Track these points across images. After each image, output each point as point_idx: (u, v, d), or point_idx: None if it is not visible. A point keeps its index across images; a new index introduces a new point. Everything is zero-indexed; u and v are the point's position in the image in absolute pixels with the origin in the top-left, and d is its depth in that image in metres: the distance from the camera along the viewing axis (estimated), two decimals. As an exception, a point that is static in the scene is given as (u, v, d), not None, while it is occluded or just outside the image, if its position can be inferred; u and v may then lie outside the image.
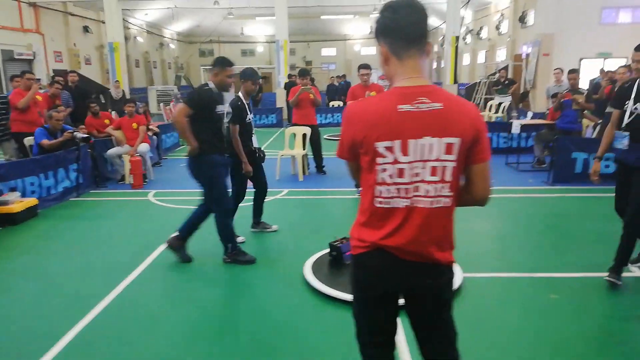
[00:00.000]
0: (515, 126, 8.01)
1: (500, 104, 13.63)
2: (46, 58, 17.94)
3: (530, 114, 11.79)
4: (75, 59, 19.85)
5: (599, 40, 17.01)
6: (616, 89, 4.57)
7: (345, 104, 17.48)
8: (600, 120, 7.52)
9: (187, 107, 3.86)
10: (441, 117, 1.52)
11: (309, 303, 3.46)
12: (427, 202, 1.55)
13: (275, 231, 4.99)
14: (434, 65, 34.76)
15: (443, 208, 1.57)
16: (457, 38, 17.41)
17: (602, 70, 10.41)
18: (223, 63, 4.01)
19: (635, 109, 3.45)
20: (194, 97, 3.99)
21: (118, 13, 17.55)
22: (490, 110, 14.10)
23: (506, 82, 13.80)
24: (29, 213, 5.49)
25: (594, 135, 7.70)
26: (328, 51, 34.66)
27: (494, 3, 22.56)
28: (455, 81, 17.77)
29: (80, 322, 3.20)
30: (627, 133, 3.47)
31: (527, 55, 18.59)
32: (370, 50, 34.53)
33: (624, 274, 3.66)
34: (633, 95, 3.47)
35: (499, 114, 13.42)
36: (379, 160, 1.54)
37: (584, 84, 13.60)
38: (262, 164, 4.83)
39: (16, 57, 16.20)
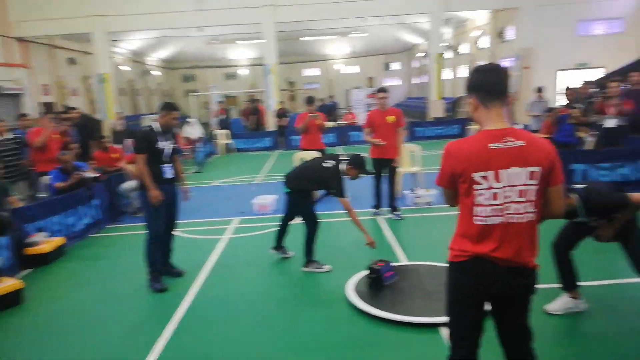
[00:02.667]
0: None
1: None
2: (32, 91, 17.88)
3: (518, 126, 12.26)
4: (61, 91, 19.81)
5: (575, 51, 17.74)
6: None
7: (337, 123, 17.88)
8: (594, 133, 7.93)
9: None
10: (524, 151, 1.95)
11: (360, 323, 3.63)
12: (517, 217, 1.98)
13: (290, 256, 5.15)
14: (417, 80, 35.54)
15: (530, 222, 2.01)
16: (442, 56, 17.99)
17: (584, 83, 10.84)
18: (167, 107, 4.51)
19: None
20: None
21: (106, 44, 17.68)
22: (479, 124, 14.56)
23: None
24: (58, 253, 5.56)
25: (587, 147, 8.11)
26: (310, 71, 35.15)
27: (471, 19, 23.36)
28: (442, 96, 18.29)
29: None
30: None
31: (509, 68, 19.27)
32: (351, 69, 35.17)
33: None
34: None
35: (488, 127, 13.87)
36: (476, 187, 1.98)
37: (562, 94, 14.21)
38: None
39: (3, 92, 16.12)
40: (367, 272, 4.27)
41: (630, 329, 3.35)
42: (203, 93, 24.43)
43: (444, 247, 5.36)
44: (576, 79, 17.18)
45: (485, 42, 21.97)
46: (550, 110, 8.16)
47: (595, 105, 7.69)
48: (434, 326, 3.46)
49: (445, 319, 2.23)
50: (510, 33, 19.54)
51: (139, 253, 5.62)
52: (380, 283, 4.16)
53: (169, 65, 32.80)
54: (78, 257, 5.76)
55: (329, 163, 4.68)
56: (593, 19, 18.11)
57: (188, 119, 15.00)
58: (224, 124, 16.34)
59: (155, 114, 23.23)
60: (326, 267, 4.76)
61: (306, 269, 4.79)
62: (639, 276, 3.30)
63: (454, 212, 6.99)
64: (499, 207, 1.97)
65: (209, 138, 15.17)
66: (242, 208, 7.53)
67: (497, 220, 1.98)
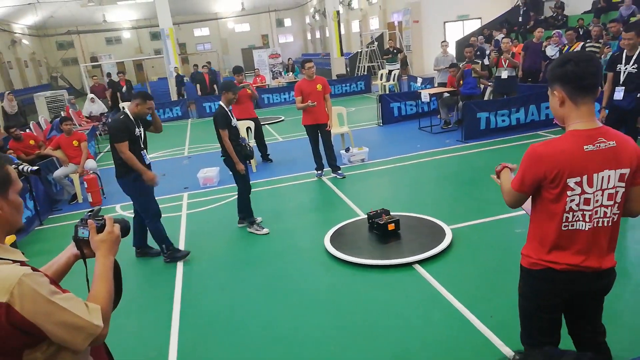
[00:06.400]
0: (424, 95, 9.31)
1: (390, 71, 15.10)
2: None
3: (420, 80, 13.39)
4: None
5: (457, 4, 19.25)
6: (608, 57, 6.17)
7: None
8: (491, 83, 9.14)
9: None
10: (616, 153, 1.85)
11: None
12: (605, 221, 1.91)
13: (261, 221, 5.51)
14: (308, 36, 35.84)
15: (615, 224, 1.95)
16: (338, 13, 18.51)
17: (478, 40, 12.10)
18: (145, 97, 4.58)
19: (626, 69, 4.96)
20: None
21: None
22: (381, 79, 15.52)
23: (394, 51, 15.22)
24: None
25: (486, 97, 9.33)
26: (201, 31, 33.81)
27: (360, -26, 24.05)
28: (342, 53, 18.97)
29: None
30: (623, 87, 5.02)
31: (399, 22, 20.44)
32: (243, 27, 34.45)
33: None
34: (624, 61, 4.98)
35: (391, 82, 14.89)
36: (569, 192, 1.86)
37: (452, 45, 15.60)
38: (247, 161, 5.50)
39: None
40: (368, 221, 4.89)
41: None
42: (98, 63, 22.55)
43: (390, 198, 6.11)
44: (460, 30, 18.82)
45: (375, -3, 22.84)
46: (453, 65, 9.17)
47: (493, 59, 8.83)
48: (409, 265, 4.17)
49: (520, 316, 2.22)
50: (399, -12, 20.52)
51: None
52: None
53: (40, 32, 29.49)
54: (34, 253, 5.60)
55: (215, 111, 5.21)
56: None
57: (90, 95, 14.06)
58: (127, 96, 15.50)
59: (45, 87, 21.07)
60: (265, 230, 5.29)
61: (250, 230, 5.32)
62: None
63: (389, 164, 7.94)
64: (589, 212, 1.88)
65: (116, 112, 14.38)
66: (184, 183, 7.63)
67: (587, 226, 1.90)
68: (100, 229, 1.62)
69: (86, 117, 13.49)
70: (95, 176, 6.98)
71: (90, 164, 7.35)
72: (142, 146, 4.61)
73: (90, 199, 6.98)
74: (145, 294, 4.38)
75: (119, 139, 4.42)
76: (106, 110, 13.86)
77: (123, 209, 6.74)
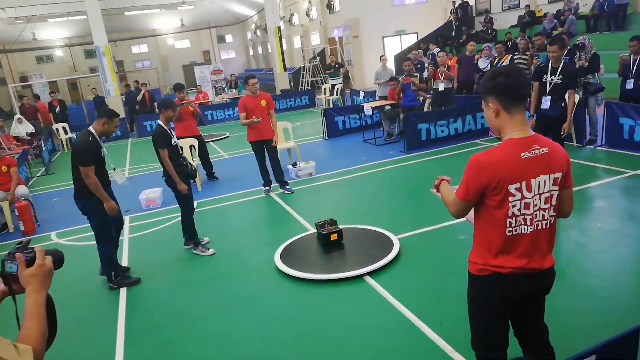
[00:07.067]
0: (367, 109, 9.51)
1: (333, 86, 15.32)
2: None
3: (362, 93, 13.69)
4: None
5: (394, 19, 19.96)
6: (534, 68, 6.64)
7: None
8: (429, 95, 9.48)
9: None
10: (549, 158, 1.97)
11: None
12: (544, 224, 2.03)
13: (208, 242, 5.41)
14: (251, 52, 35.80)
15: (551, 225, 2.07)
16: (279, 29, 18.62)
17: (419, 54, 12.56)
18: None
19: (552, 79, 5.23)
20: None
21: None
22: (325, 93, 15.70)
23: (336, 65, 15.49)
24: None
25: (425, 109, 9.67)
26: (139, 48, 32.94)
27: (300, -9, 24.38)
28: (285, 69, 19.05)
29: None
30: (549, 97, 5.27)
31: (340, 38, 20.86)
32: (183, 44, 33.92)
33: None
34: (550, 72, 5.25)
35: (334, 96, 15.10)
36: (510, 198, 1.96)
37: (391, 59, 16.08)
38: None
39: None
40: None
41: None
42: (28, 83, 21.36)
43: (338, 210, 6.13)
44: (398, 44, 19.49)
45: (315, 13, 23.21)
46: (393, 79, 9.44)
47: (430, 72, 9.17)
48: (359, 277, 4.19)
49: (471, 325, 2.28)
50: (337, 4, 20.98)
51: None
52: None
53: (-39, 51, 27.64)
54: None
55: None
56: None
57: (17, 116, 13.28)
58: (61, 117, 14.78)
59: None
60: (210, 251, 5.17)
61: (195, 252, 5.19)
62: None
63: (336, 178, 8.01)
64: (530, 216, 1.98)
65: (49, 134, 13.66)
66: (126, 206, 7.30)
67: (528, 229, 2.00)
68: (30, 262, 1.51)
69: (15, 138, 12.71)
70: (27, 203, 6.56)
71: (22, 190, 6.91)
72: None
73: (22, 228, 6.55)
74: (85, 326, 4.12)
75: (86, 163, 4.20)
76: (34, 130, 13.09)
77: (59, 236, 6.39)
